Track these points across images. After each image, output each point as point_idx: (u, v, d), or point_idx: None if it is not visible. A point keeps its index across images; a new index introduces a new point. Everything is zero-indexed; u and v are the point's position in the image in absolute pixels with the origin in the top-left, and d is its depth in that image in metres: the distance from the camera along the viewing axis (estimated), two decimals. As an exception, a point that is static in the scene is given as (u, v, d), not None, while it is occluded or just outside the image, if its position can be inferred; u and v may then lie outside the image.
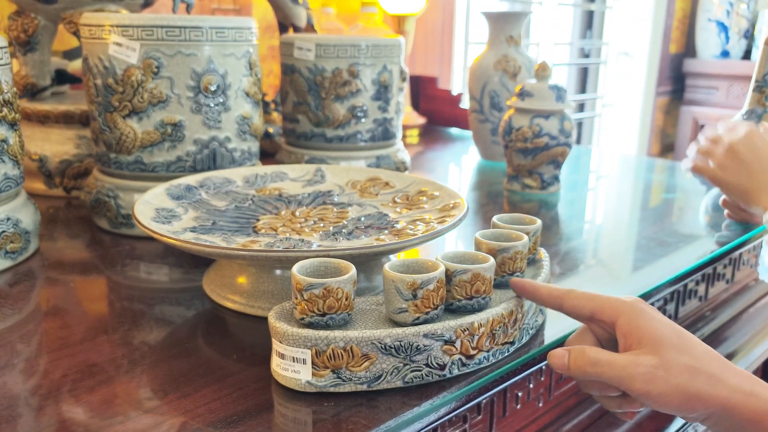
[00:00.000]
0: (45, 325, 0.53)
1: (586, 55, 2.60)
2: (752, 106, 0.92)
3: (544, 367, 0.57)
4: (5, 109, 0.60)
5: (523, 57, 1.11)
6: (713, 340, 0.83)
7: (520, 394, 0.55)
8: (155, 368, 0.46)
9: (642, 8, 2.48)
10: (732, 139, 0.76)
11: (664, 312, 0.74)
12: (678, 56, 2.67)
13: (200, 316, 0.55)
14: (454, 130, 1.52)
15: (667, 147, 2.79)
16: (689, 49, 2.70)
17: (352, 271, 0.42)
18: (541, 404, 0.58)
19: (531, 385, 0.55)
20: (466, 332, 0.43)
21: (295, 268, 0.41)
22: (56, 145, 0.84)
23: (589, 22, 2.54)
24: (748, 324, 0.91)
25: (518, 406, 0.55)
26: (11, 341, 0.50)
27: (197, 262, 0.66)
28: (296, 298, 0.41)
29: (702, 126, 2.60)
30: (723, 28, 2.50)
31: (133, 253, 0.69)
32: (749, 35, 2.52)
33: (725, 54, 2.54)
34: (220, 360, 0.47)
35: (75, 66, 1.05)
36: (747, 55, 2.55)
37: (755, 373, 0.97)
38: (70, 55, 1.06)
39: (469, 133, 1.44)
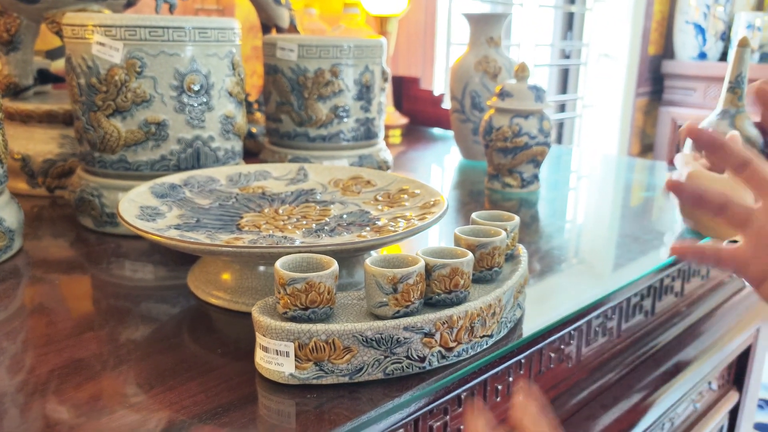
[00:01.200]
0: (30, 323, 0.54)
1: (567, 57, 2.63)
2: (726, 106, 0.95)
3: (523, 361, 0.58)
4: (-11, 109, 0.60)
5: (504, 58, 1.13)
6: (689, 334, 0.86)
7: (499, 387, 0.56)
8: (141, 363, 0.47)
9: (621, 10, 2.51)
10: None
11: (640, 308, 0.76)
12: (656, 58, 2.70)
13: (185, 313, 0.56)
14: (436, 130, 1.53)
15: (646, 147, 2.83)
16: (667, 50, 2.74)
17: (334, 266, 0.43)
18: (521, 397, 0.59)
19: (510, 378, 0.57)
20: (445, 325, 0.44)
21: (278, 264, 0.42)
22: (39, 144, 0.84)
23: (569, 23, 2.57)
24: (723, 319, 0.93)
25: (498, 399, 0.56)
26: (-5, 339, 0.51)
27: (182, 260, 0.67)
28: (279, 293, 0.42)
29: (680, 126, 2.64)
30: (700, 30, 2.54)
31: (118, 252, 0.69)
32: (726, 37, 2.57)
33: (702, 56, 2.58)
34: (204, 355, 0.48)
35: (58, 65, 1.04)
36: (723, 56, 2.59)
37: (730, 367, 1.00)
38: (53, 54, 1.06)
39: (451, 133, 1.46)
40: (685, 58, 2.61)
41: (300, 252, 0.45)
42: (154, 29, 0.66)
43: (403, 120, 1.48)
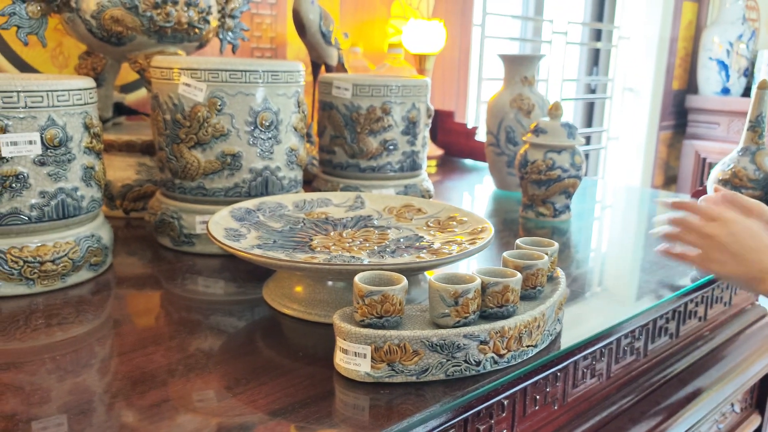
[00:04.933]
0: (120, 329, 0.61)
1: (593, 91, 2.71)
2: (747, 144, 1.01)
3: (559, 373, 0.65)
4: (94, 141, 0.69)
5: (537, 96, 1.21)
6: (712, 358, 0.91)
7: (537, 397, 0.63)
8: (225, 366, 0.54)
9: (646, 47, 2.59)
10: (712, 232, 0.73)
11: (665, 330, 0.82)
12: (680, 92, 2.77)
13: (259, 323, 0.63)
14: (469, 161, 1.61)
15: (670, 179, 2.89)
16: (691, 85, 2.81)
17: (404, 281, 0.50)
18: (556, 407, 0.66)
19: (548, 389, 0.64)
20: (498, 334, 0.51)
21: (357, 278, 0.50)
22: (119, 171, 0.93)
23: (595, 59, 2.66)
24: (745, 344, 0.98)
25: (536, 408, 0.63)
26: (90, 343, 0.58)
27: (249, 276, 0.75)
28: (358, 303, 0.49)
29: (704, 159, 2.69)
30: (723, 66, 2.61)
31: (193, 269, 0.77)
32: (749, 73, 2.63)
33: (726, 91, 2.64)
34: (280, 359, 0.55)
35: (132, 99, 1.14)
36: (747, 92, 2.65)
37: (752, 390, 1.05)
38: (126, 89, 1.16)
39: (483, 164, 1.53)
40: (709, 93, 2.68)
41: (373, 269, 0.53)
42: (234, 72, 0.75)
43: (439, 151, 1.56)
